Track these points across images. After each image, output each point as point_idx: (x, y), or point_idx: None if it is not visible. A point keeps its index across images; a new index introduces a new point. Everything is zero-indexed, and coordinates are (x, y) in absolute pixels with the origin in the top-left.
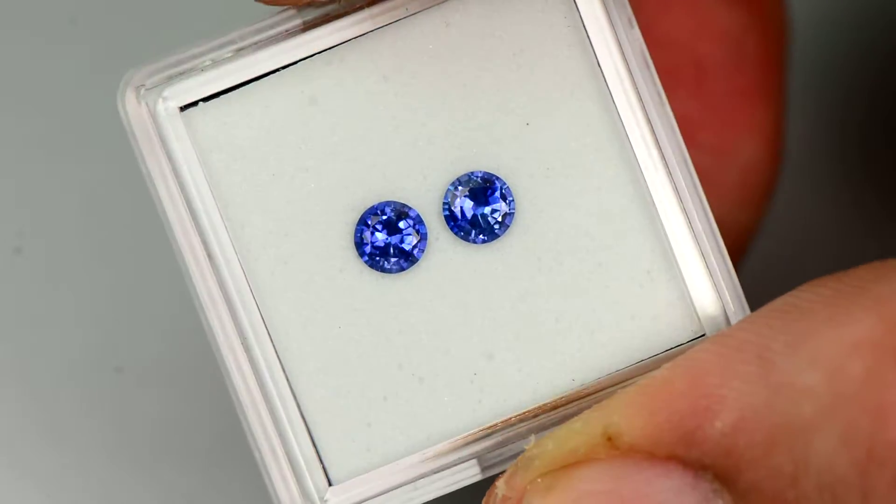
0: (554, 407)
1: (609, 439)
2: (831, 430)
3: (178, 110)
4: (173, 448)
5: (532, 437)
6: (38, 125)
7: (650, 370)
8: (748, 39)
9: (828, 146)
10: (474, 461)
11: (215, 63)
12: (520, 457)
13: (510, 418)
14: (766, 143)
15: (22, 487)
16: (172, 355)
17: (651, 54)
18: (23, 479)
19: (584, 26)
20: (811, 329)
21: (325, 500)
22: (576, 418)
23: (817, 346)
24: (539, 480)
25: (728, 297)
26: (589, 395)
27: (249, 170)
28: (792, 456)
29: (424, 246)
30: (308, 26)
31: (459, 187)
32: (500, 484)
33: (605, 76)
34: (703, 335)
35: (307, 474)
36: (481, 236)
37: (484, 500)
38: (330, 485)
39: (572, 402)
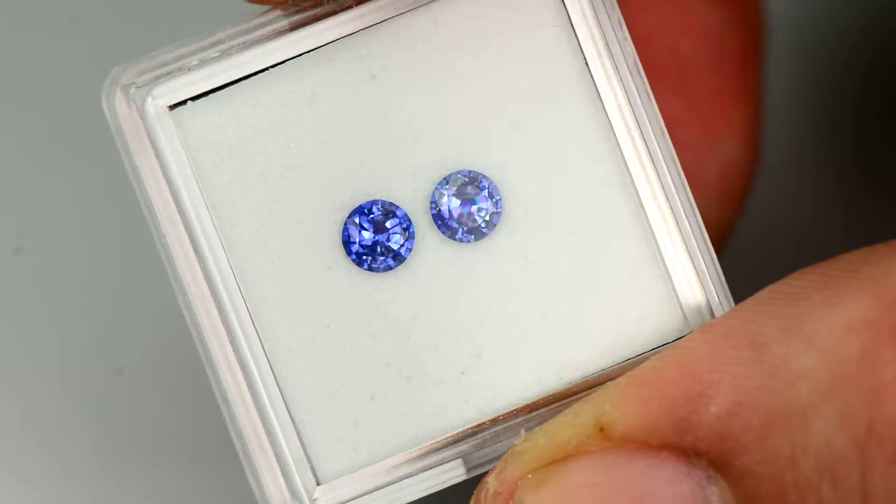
0: (541, 406)
1: (601, 430)
2: (829, 411)
3: (167, 109)
4: (173, 448)
5: (522, 432)
6: (38, 125)
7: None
8: (728, 37)
9: (807, 141)
10: (459, 460)
11: (204, 62)
12: (510, 451)
13: (497, 418)
14: (745, 141)
15: (21, 487)
16: (172, 355)
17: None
18: (22, 479)
19: (572, 27)
20: (804, 312)
21: (315, 500)
22: (566, 411)
23: (812, 329)
24: (530, 475)
25: (716, 297)
26: (576, 393)
27: (238, 169)
28: (790, 438)
29: (412, 245)
30: (295, 25)
31: (447, 186)
32: (490, 480)
33: (594, 76)
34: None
35: (295, 473)
36: (468, 235)
37: (474, 495)
38: (318, 484)
39: (559, 400)
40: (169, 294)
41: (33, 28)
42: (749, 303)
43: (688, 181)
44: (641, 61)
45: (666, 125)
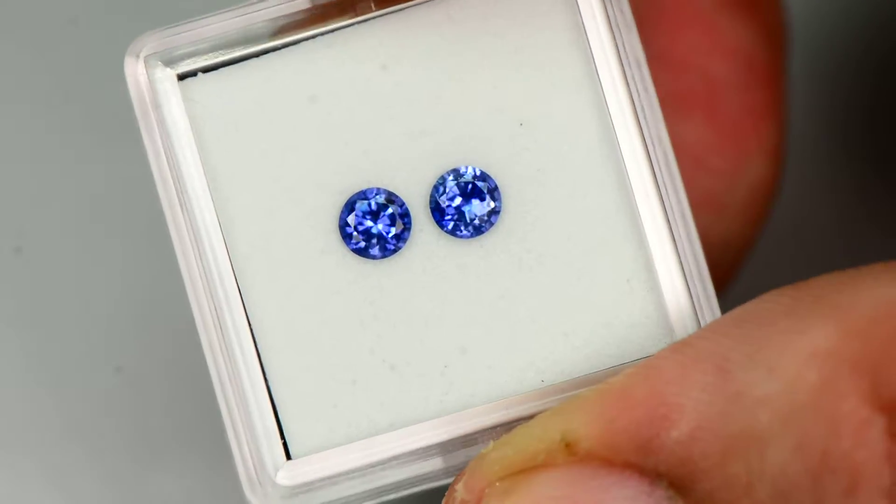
0: (519, 403)
1: (567, 445)
2: (786, 440)
3: (175, 78)
4: (173, 448)
5: (490, 443)
6: (38, 125)
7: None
8: (757, 53)
9: (828, 141)
10: (436, 452)
11: (219, 36)
12: (477, 458)
13: (475, 411)
14: (772, 158)
15: (21, 487)
16: (172, 355)
17: (667, 79)
18: (22, 479)
19: (584, 31)
20: (769, 338)
21: (279, 475)
22: (534, 422)
23: (775, 356)
24: (497, 484)
25: (704, 312)
26: (555, 394)
27: (241, 144)
28: (747, 465)
29: (408, 236)
30: (315, 7)
31: (448, 181)
32: (458, 487)
33: (602, 83)
34: None
35: (265, 448)
36: (466, 231)
37: (443, 502)
38: (288, 460)
39: (537, 400)
40: (169, 293)
41: (33, 28)
42: (722, 323)
43: (718, 205)
44: (674, 89)
45: (697, 152)
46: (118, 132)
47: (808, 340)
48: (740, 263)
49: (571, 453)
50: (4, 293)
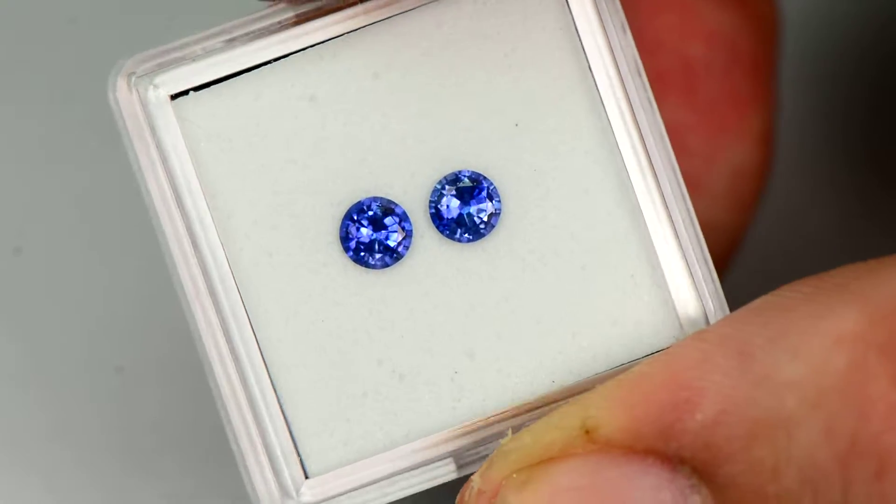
0: (532, 409)
1: (587, 433)
2: (814, 424)
3: (168, 98)
4: (173, 448)
5: (509, 431)
6: (37, 125)
7: None
8: (739, 40)
9: (826, 141)
10: (450, 459)
11: (207, 53)
12: (496, 450)
13: (489, 418)
14: (756, 146)
15: (22, 487)
16: (172, 355)
17: (643, 59)
18: (23, 479)
19: (576, 30)
20: (792, 324)
21: (301, 493)
22: (553, 412)
23: (800, 340)
24: (515, 475)
25: (711, 306)
26: (567, 397)
27: (237, 160)
28: (773, 449)
29: (409, 243)
30: (301, 20)
31: (446, 186)
32: (475, 478)
33: (596, 80)
34: None
35: (284, 466)
36: (467, 235)
37: (459, 494)
38: (306, 478)
39: (550, 403)
40: (169, 293)
41: (33, 28)
42: (741, 312)
43: (697, 187)
44: (650, 69)
45: (674, 132)
46: (118, 132)
47: (834, 324)
48: (731, 252)
49: (591, 440)
50: (4, 293)
